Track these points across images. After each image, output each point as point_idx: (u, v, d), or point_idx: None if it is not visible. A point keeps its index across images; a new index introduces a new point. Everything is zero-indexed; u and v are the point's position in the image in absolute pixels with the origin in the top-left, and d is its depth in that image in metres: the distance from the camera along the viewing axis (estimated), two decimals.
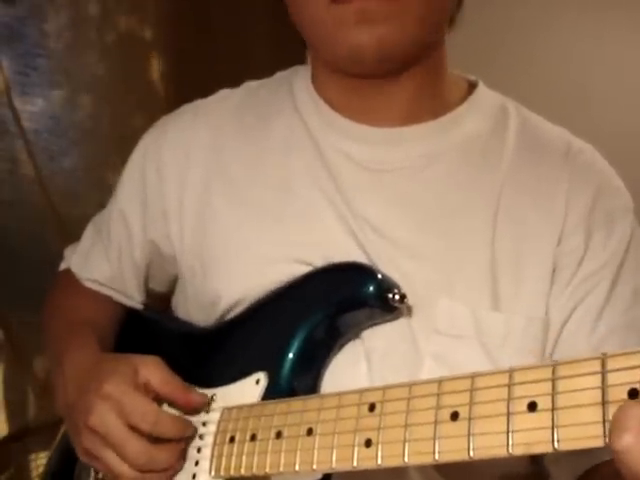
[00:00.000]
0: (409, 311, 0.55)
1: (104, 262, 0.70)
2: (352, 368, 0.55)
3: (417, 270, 0.56)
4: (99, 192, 1.13)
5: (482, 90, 0.64)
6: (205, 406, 0.56)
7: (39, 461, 1.15)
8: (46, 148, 1.08)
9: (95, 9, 1.12)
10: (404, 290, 0.54)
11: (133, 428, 0.52)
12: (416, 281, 0.56)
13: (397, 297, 0.53)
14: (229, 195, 0.63)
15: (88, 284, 0.71)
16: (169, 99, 1.18)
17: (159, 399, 0.55)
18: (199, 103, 0.68)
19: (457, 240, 0.57)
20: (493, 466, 0.56)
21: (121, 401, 0.52)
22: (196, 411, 0.56)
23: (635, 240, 0.59)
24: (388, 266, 0.56)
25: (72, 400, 0.57)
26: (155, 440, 0.53)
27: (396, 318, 0.55)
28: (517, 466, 0.59)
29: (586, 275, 0.57)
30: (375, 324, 0.55)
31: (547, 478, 0.61)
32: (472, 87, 0.64)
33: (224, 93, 0.68)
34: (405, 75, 0.59)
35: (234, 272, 0.61)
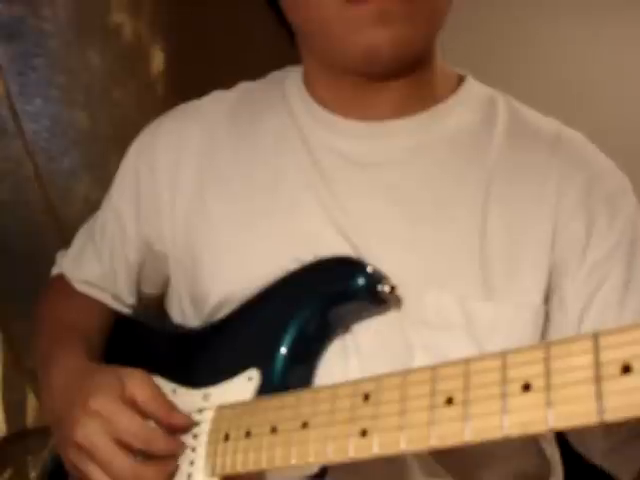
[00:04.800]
0: (399, 303, 0.55)
1: (96, 262, 0.71)
2: (342, 363, 0.55)
3: (406, 262, 0.56)
4: (99, 192, 1.13)
5: (471, 83, 0.64)
6: (189, 428, 0.55)
7: (38, 461, 1.15)
8: (46, 148, 1.08)
9: (95, 9, 1.12)
10: (393, 282, 0.54)
11: (121, 443, 0.52)
12: (405, 273, 0.56)
13: (387, 289, 0.54)
14: (220, 194, 0.63)
15: (79, 286, 0.72)
16: (168, 99, 1.18)
17: (145, 415, 0.54)
18: (192, 104, 0.69)
19: (446, 231, 0.57)
20: (495, 460, 0.56)
21: (110, 418, 0.52)
22: (179, 432, 0.55)
23: None
24: (376, 259, 0.56)
25: (58, 410, 0.57)
26: (144, 455, 0.52)
27: (386, 310, 0.55)
28: (521, 462, 0.58)
29: (597, 261, 0.57)
30: (366, 317, 0.56)
31: (549, 475, 0.61)
32: (462, 80, 0.64)
33: (217, 94, 0.69)
34: (405, 74, 0.59)
35: (222, 268, 0.61)
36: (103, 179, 1.15)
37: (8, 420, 1.12)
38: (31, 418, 1.13)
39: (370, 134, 0.60)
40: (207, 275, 0.62)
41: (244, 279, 0.59)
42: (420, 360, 0.54)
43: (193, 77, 1.17)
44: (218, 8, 1.22)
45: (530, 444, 0.60)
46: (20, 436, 1.13)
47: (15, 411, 1.13)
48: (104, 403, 0.52)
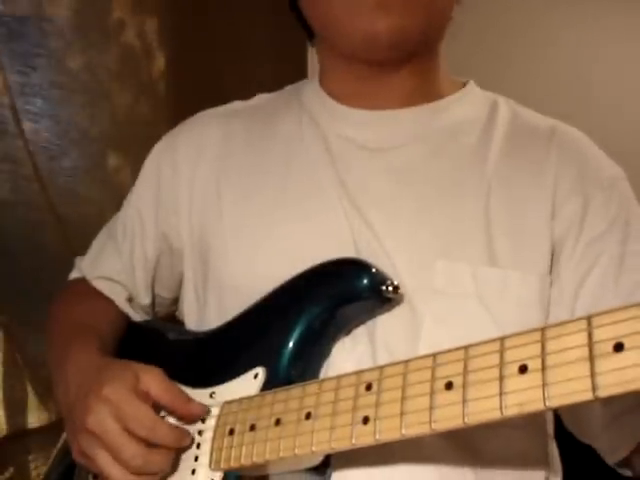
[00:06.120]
0: (402, 299, 0.57)
1: (115, 257, 0.73)
2: (353, 339, 0.57)
3: (415, 235, 0.59)
4: (99, 192, 1.14)
5: (473, 86, 0.68)
6: (204, 416, 0.57)
7: (39, 461, 1.15)
8: (46, 148, 1.09)
9: (95, 8, 1.13)
10: (396, 282, 0.55)
11: (130, 432, 0.53)
12: (415, 246, 0.58)
13: (391, 288, 0.55)
14: (234, 194, 0.66)
15: (97, 282, 0.73)
16: (168, 99, 1.19)
17: (158, 408, 0.56)
18: (213, 110, 0.73)
19: (452, 208, 0.60)
20: (495, 439, 0.57)
21: (119, 405, 0.53)
22: (195, 421, 0.57)
23: (635, 203, 0.62)
24: (388, 236, 0.59)
25: (72, 400, 0.58)
26: (151, 445, 0.53)
27: (390, 309, 0.56)
28: (524, 447, 0.59)
29: (592, 239, 0.59)
30: (371, 317, 0.57)
31: (550, 464, 0.62)
32: (464, 85, 0.68)
33: (237, 103, 0.73)
34: (407, 66, 0.63)
35: (233, 259, 0.63)
36: (103, 179, 1.16)
37: (9, 419, 1.12)
38: (32, 418, 1.13)
39: (377, 122, 0.64)
40: (219, 267, 0.64)
41: (254, 267, 0.61)
42: (428, 328, 0.55)
43: (193, 77, 1.18)
44: (219, 9, 1.23)
45: (534, 435, 0.61)
46: (21, 436, 1.13)
47: (15, 410, 1.13)
48: (116, 391, 0.53)
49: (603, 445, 0.58)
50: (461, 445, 0.54)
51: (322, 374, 0.56)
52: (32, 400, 1.14)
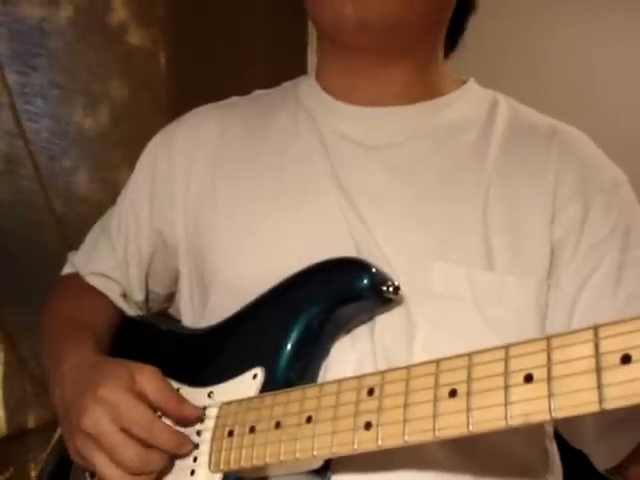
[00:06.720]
0: (402, 300, 0.56)
1: (109, 252, 0.72)
2: (352, 338, 0.56)
3: (412, 236, 0.58)
4: (99, 192, 1.14)
5: (473, 83, 0.68)
6: (198, 420, 0.56)
7: (39, 461, 1.15)
8: (46, 148, 1.09)
9: (96, 9, 1.13)
10: (397, 282, 0.55)
11: (127, 433, 0.52)
12: (411, 246, 0.58)
13: (391, 289, 0.55)
14: (229, 183, 0.65)
15: (91, 279, 0.73)
16: (168, 99, 1.19)
17: (155, 408, 0.55)
18: (209, 105, 0.73)
19: (450, 207, 0.60)
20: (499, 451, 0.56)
21: (116, 406, 0.52)
22: (189, 424, 0.56)
23: (637, 207, 0.61)
24: (384, 234, 0.58)
25: (68, 399, 0.57)
26: (149, 445, 0.53)
27: (390, 310, 0.56)
28: (522, 450, 0.59)
29: (592, 244, 0.58)
30: (371, 317, 0.56)
31: (549, 465, 0.62)
32: (464, 83, 0.68)
33: (235, 99, 0.73)
34: (402, 61, 0.63)
35: (227, 250, 0.63)
36: (103, 179, 1.16)
37: (8, 420, 1.11)
38: (32, 418, 1.13)
39: (374, 118, 0.63)
40: (209, 265, 0.64)
41: (252, 263, 0.61)
42: (423, 331, 0.55)
43: (193, 77, 1.18)
44: (219, 9, 1.23)
45: (533, 436, 0.61)
46: (20, 436, 1.13)
47: (15, 410, 1.13)
48: (112, 391, 0.53)
49: (594, 452, 0.58)
50: (460, 446, 0.53)
51: (321, 373, 0.56)
52: (32, 400, 1.14)
